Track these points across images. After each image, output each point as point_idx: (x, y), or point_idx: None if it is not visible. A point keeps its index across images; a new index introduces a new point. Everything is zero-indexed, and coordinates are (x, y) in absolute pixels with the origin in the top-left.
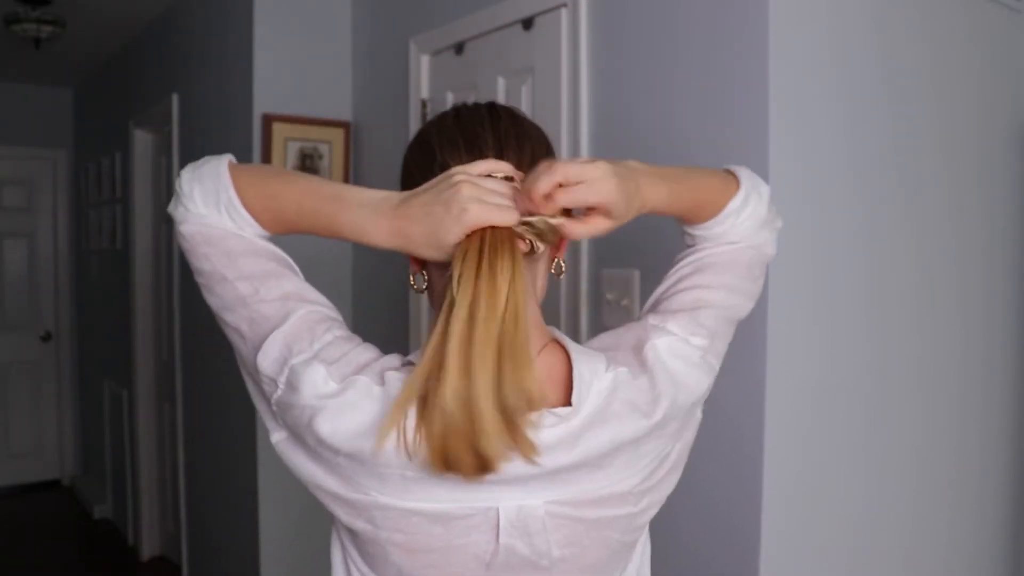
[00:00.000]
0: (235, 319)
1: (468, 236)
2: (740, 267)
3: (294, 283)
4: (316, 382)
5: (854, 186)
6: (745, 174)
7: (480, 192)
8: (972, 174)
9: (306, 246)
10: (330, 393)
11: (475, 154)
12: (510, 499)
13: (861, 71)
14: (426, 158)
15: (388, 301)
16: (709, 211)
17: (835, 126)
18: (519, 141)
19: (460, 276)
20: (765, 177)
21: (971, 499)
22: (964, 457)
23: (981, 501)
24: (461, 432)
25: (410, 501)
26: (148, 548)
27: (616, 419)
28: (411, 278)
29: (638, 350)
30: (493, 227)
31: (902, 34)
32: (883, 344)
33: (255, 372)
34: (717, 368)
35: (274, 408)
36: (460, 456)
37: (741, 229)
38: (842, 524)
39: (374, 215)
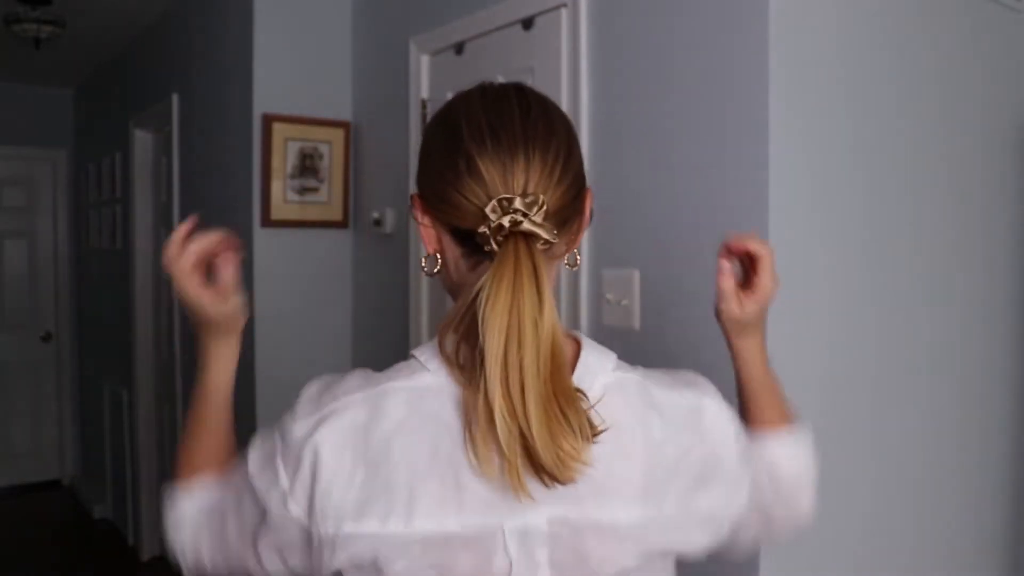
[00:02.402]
0: (259, 552)
1: (498, 254)
2: (768, 506)
3: (235, 518)
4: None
5: (856, 184)
6: (805, 437)
7: (179, 282)
8: (972, 173)
9: (305, 250)
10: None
11: (502, 150)
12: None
13: (861, 71)
14: (452, 144)
15: (388, 300)
16: (761, 416)
17: (834, 125)
18: (547, 138)
19: (491, 295)
20: (765, 175)
21: (974, 495)
22: (967, 453)
23: (983, 497)
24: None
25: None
26: (148, 548)
27: (615, 421)
28: (422, 260)
29: (694, 386)
30: (519, 242)
31: (902, 34)
32: (885, 340)
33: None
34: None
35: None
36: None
37: (776, 468)
38: (843, 522)
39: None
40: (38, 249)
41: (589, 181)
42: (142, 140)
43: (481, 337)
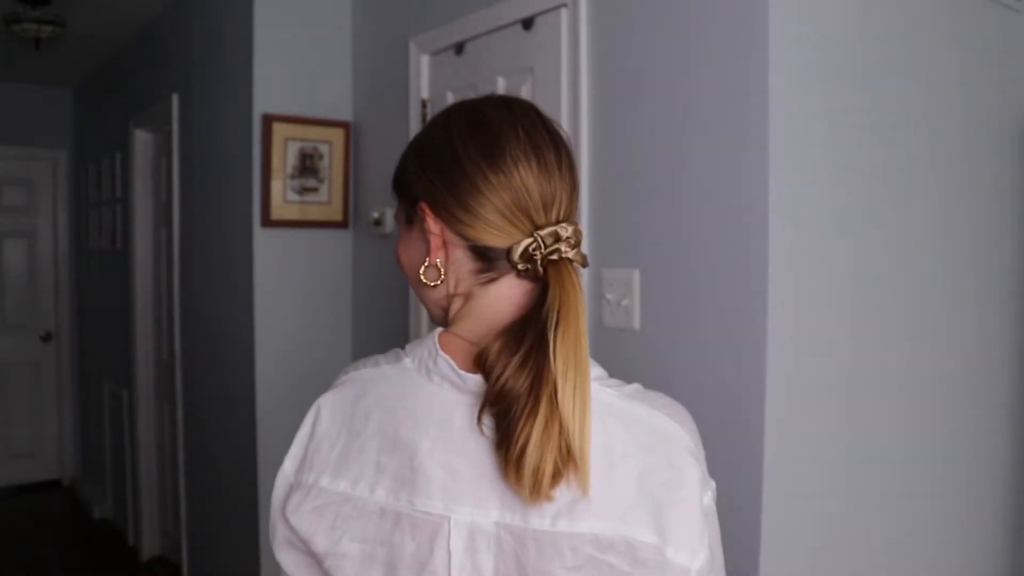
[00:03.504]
0: None
1: (552, 275)
2: None
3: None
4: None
5: (853, 185)
6: None
7: None
8: (970, 174)
9: (306, 250)
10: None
11: (543, 173)
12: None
13: (861, 70)
14: (491, 157)
15: (388, 300)
16: None
17: (835, 124)
18: (571, 160)
19: (559, 318)
20: (765, 175)
21: (970, 497)
22: (963, 455)
23: (980, 499)
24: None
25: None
26: (148, 548)
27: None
28: (422, 271)
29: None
30: (569, 269)
31: (902, 33)
32: (883, 342)
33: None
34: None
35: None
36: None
37: None
38: (842, 524)
39: None
40: (38, 249)
41: (590, 181)
42: (142, 140)
43: (552, 365)
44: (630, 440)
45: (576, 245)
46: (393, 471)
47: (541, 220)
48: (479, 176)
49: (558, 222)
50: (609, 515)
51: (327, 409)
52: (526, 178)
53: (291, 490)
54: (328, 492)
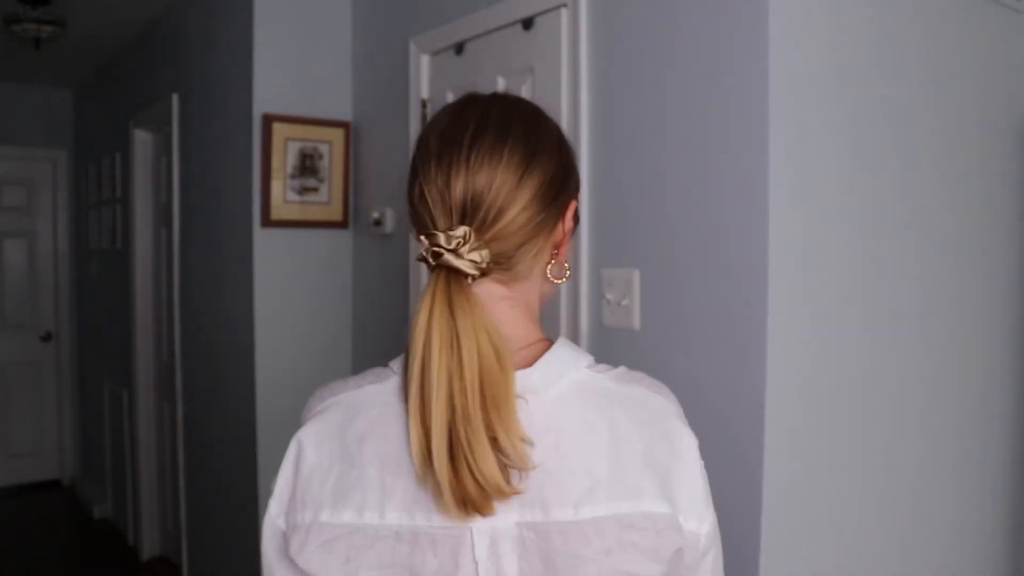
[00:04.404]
0: None
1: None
2: None
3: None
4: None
5: (854, 185)
6: None
7: None
8: (972, 173)
9: (305, 250)
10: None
11: (441, 177)
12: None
13: (861, 70)
14: (414, 164)
15: (388, 300)
16: None
17: (835, 125)
18: (494, 160)
19: (420, 332)
20: (765, 175)
21: (971, 498)
22: (964, 456)
23: (981, 500)
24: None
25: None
26: (148, 548)
27: (577, 419)
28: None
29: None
30: (440, 275)
31: (902, 33)
32: (883, 343)
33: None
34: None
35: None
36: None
37: None
38: (842, 525)
39: None
40: (38, 249)
41: (588, 181)
42: (142, 140)
43: (408, 370)
44: (630, 419)
45: (463, 250)
46: (402, 491)
47: (441, 226)
48: (410, 179)
49: (461, 224)
50: (626, 494)
51: (310, 442)
52: (427, 183)
53: (285, 534)
54: (332, 526)
